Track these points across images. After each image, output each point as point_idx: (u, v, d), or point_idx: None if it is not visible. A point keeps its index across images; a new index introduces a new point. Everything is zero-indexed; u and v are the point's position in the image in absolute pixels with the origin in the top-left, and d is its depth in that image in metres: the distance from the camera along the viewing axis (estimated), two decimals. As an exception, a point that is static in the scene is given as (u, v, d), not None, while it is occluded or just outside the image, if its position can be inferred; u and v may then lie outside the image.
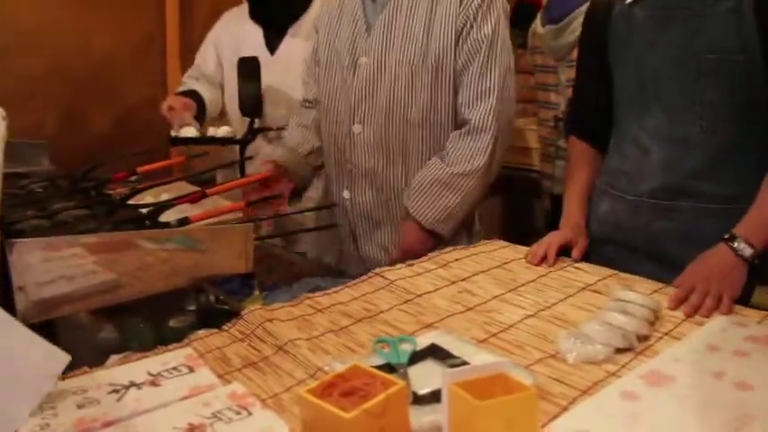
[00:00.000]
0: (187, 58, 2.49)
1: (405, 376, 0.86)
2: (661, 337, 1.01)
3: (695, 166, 1.28)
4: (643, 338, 0.99)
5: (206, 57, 2.30)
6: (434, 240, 1.56)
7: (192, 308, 1.30)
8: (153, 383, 0.87)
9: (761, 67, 1.21)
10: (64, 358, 0.78)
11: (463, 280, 1.26)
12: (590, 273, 1.29)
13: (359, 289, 1.23)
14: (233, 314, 1.12)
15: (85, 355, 1.05)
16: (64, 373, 0.91)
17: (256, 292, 1.33)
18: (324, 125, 1.72)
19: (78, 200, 1.34)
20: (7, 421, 0.72)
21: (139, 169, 1.62)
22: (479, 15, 1.51)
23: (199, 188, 1.49)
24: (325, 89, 1.69)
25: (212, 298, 1.29)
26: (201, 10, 2.86)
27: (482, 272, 1.30)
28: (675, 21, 1.27)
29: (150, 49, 2.82)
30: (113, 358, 1.00)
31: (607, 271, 1.29)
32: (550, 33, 2.32)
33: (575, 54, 1.60)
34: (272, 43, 2.16)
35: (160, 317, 1.22)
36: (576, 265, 1.34)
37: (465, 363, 0.89)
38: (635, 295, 1.08)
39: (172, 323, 1.24)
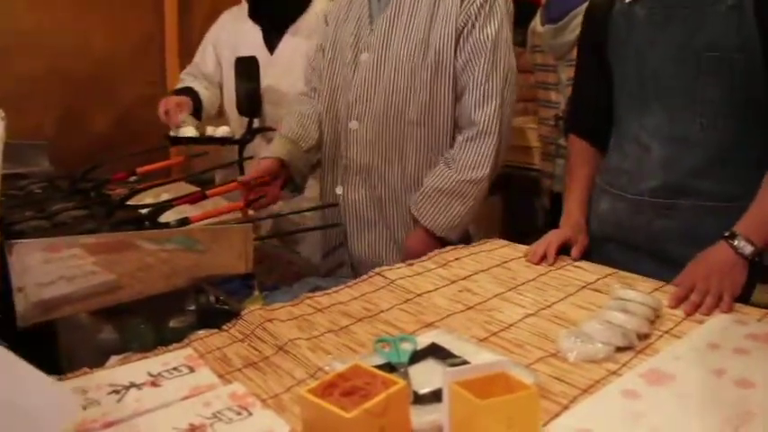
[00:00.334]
0: (186, 58, 2.49)
1: (405, 376, 0.86)
2: (661, 336, 1.01)
3: (695, 165, 1.28)
4: (643, 337, 0.99)
5: (205, 56, 2.30)
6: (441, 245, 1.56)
7: (192, 308, 1.30)
8: (153, 384, 0.87)
9: (761, 65, 1.21)
10: (76, 405, 0.75)
11: (463, 279, 1.26)
12: (590, 271, 1.29)
13: (359, 289, 1.23)
14: (233, 314, 1.12)
15: (86, 356, 1.05)
16: (64, 373, 0.92)
17: (256, 293, 1.33)
18: (323, 119, 1.72)
19: (78, 201, 1.34)
20: None
21: (139, 170, 1.62)
22: (481, 15, 1.51)
23: (198, 188, 1.49)
24: (327, 84, 1.69)
25: (212, 298, 1.29)
26: (200, 10, 2.86)
27: (482, 271, 1.30)
28: (675, 19, 1.27)
29: (149, 50, 2.82)
30: (113, 359, 1.00)
31: (607, 270, 1.29)
32: (550, 32, 2.32)
33: (575, 53, 1.60)
34: (272, 43, 2.16)
35: (160, 317, 1.22)
36: (577, 263, 1.34)
37: (465, 362, 0.88)
38: (635, 294, 1.08)
39: (172, 324, 1.24)
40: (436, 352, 0.93)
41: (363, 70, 1.60)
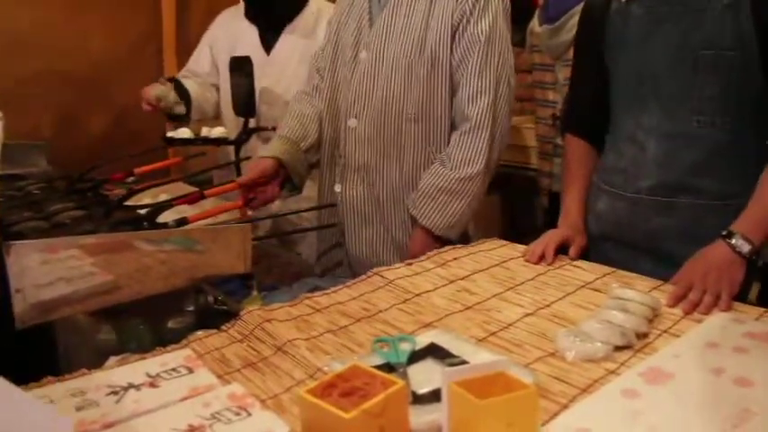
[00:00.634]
0: (184, 58, 2.48)
1: (404, 376, 0.86)
2: (660, 335, 1.01)
3: (692, 162, 1.28)
4: (642, 336, 0.99)
5: (200, 57, 2.29)
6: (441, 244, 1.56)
7: (191, 309, 1.30)
8: (152, 385, 0.87)
9: (757, 63, 1.21)
10: (68, 426, 0.74)
11: (462, 279, 1.26)
12: (589, 271, 1.29)
13: (357, 289, 1.23)
14: (232, 315, 1.12)
15: (84, 357, 1.05)
16: (62, 374, 0.92)
17: (255, 293, 1.33)
18: (324, 117, 1.72)
19: (76, 201, 1.34)
20: None
21: (137, 170, 1.62)
22: (476, 11, 1.52)
23: (196, 188, 1.49)
24: (329, 82, 1.70)
25: (211, 299, 1.29)
26: (197, 9, 2.86)
27: (481, 270, 1.30)
28: (672, 17, 1.27)
29: (147, 50, 2.82)
30: (112, 360, 1.00)
31: (606, 269, 1.29)
32: (547, 32, 2.32)
33: (571, 52, 1.60)
34: (268, 43, 2.16)
35: (159, 318, 1.22)
36: (575, 263, 1.34)
37: (464, 362, 0.88)
38: (634, 293, 1.08)
39: (170, 324, 1.24)
40: (435, 352, 0.93)
41: (362, 68, 1.60)
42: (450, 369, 0.73)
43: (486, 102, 1.52)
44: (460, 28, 1.53)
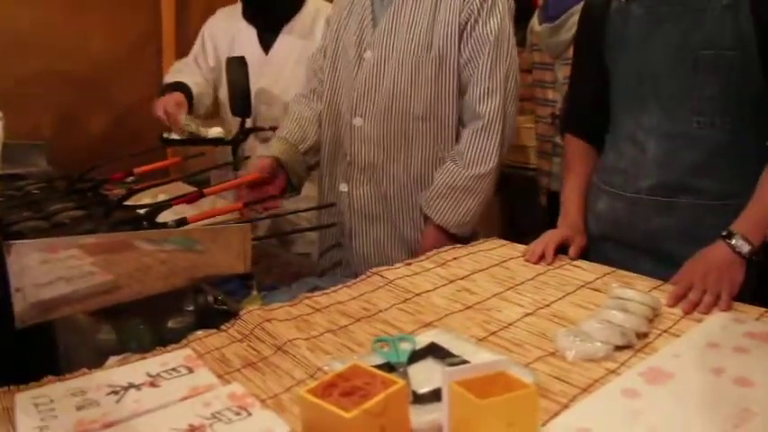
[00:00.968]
0: (184, 57, 2.48)
1: (404, 375, 0.86)
2: (660, 335, 1.01)
3: (692, 163, 1.28)
4: (642, 336, 0.99)
5: (205, 52, 2.25)
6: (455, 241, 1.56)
7: (191, 308, 1.30)
8: (152, 384, 0.87)
9: (757, 63, 1.21)
10: None
11: (462, 278, 1.26)
12: (588, 270, 1.29)
13: (357, 288, 1.23)
14: (231, 314, 1.12)
15: (84, 357, 1.05)
16: (63, 373, 0.92)
17: (255, 293, 1.33)
18: (324, 118, 1.72)
19: (76, 201, 1.34)
20: None
21: (136, 170, 1.62)
22: (484, 11, 1.53)
23: (196, 188, 1.49)
24: (329, 83, 1.70)
25: (211, 298, 1.29)
26: (197, 9, 2.86)
27: (481, 270, 1.30)
28: (672, 17, 1.27)
29: (146, 50, 2.82)
30: (112, 359, 1.00)
31: (606, 269, 1.29)
32: (547, 31, 2.32)
33: (571, 51, 1.60)
34: (266, 43, 2.15)
35: (159, 318, 1.22)
36: (575, 263, 1.34)
37: (465, 361, 0.88)
38: (634, 293, 1.08)
39: (170, 324, 1.24)
40: (435, 351, 0.93)
41: (367, 67, 1.60)
42: (451, 369, 0.73)
43: (497, 100, 1.53)
44: (468, 27, 1.53)
